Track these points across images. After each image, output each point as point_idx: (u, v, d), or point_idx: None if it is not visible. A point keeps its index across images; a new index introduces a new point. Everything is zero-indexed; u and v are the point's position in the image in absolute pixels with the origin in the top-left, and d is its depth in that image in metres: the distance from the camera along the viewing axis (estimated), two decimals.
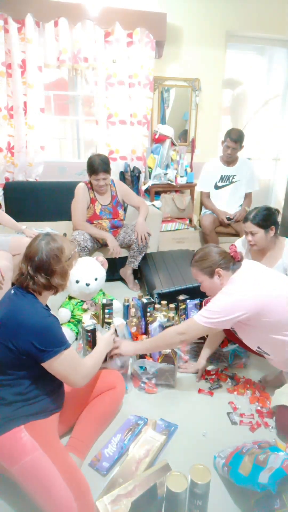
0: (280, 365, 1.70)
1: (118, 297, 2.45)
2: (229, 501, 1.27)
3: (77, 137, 3.77)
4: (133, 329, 2.12)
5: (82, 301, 2.27)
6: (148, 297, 2.20)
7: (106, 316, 2.09)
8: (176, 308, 2.26)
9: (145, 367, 1.80)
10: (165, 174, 3.39)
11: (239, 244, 2.28)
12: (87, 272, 2.23)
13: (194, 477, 1.15)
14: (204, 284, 1.71)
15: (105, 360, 1.68)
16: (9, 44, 2.86)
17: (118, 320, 2.21)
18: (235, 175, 3.18)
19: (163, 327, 1.91)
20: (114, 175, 3.11)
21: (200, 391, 1.81)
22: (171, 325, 1.93)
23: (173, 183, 3.37)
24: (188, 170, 3.51)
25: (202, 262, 1.68)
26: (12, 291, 1.31)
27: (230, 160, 3.15)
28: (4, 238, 2.34)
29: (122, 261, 2.88)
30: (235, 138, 3.00)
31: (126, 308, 2.30)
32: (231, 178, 3.19)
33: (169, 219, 3.34)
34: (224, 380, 1.87)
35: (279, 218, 2.12)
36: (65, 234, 2.77)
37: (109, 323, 2.03)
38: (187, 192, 3.54)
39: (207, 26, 3.38)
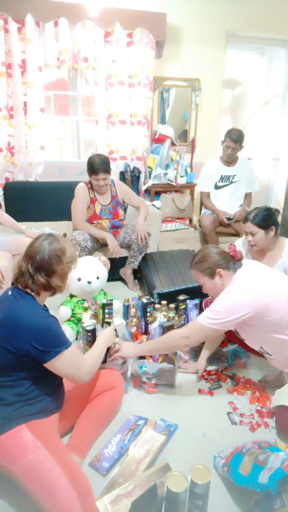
0: (281, 365, 1.70)
1: (118, 297, 2.45)
2: (229, 501, 1.27)
3: (77, 137, 3.77)
4: (133, 329, 2.12)
5: (83, 300, 2.28)
6: (148, 297, 2.20)
7: (106, 316, 2.09)
8: (176, 308, 2.26)
9: (145, 367, 1.80)
10: (165, 174, 3.39)
11: (239, 244, 2.28)
12: (89, 270, 2.23)
13: (194, 477, 1.15)
14: (205, 285, 1.70)
15: (105, 361, 1.68)
16: (9, 44, 2.86)
17: (118, 320, 2.21)
18: (235, 175, 3.18)
19: (163, 327, 1.92)
20: (114, 175, 3.11)
21: (200, 391, 1.81)
22: (171, 325, 1.93)
23: (173, 183, 3.37)
24: (188, 170, 3.51)
25: (202, 264, 1.67)
26: (10, 292, 1.31)
27: (230, 160, 3.15)
28: (4, 238, 2.34)
29: (122, 261, 2.88)
30: (235, 138, 3.00)
31: (126, 308, 2.30)
32: (231, 178, 3.20)
33: (169, 219, 3.34)
34: (224, 380, 1.87)
35: (279, 218, 2.12)
36: (65, 234, 2.77)
37: (109, 323, 2.03)
38: (187, 192, 3.54)
39: (207, 26, 3.38)
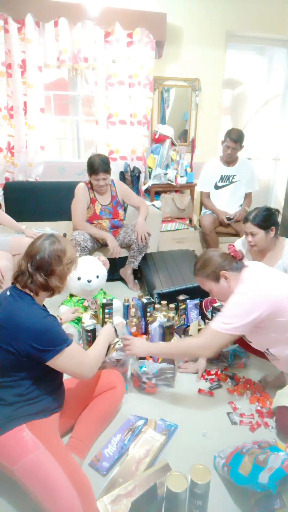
0: (285, 366, 1.69)
1: (118, 297, 2.45)
2: (229, 501, 1.27)
3: (77, 137, 3.77)
4: (133, 329, 2.12)
5: (83, 299, 2.28)
6: (148, 297, 2.20)
7: (106, 316, 2.09)
8: (176, 308, 2.26)
9: (145, 367, 1.80)
10: (165, 174, 3.39)
11: (239, 244, 2.28)
12: (88, 269, 2.24)
13: (194, 477, 1.15)
14: (213, 290, 1.65)
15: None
16: (9, 44, 2.86)
17: (117, 319, 2.21)
18: (235, 175, 3.18)
19: (163, 327, 1.92)
20: (114, 175, 3.11)
21: (200, 391, 1.81)
22: (171, 325, 1.94)
23: (173, 183, 3.37)
24: (188, 170, 3.51)
25: (205, 269, 1.63)
26: (8, 292, 1.30)
27: (230, 160, 3.15)
28: (4, 238, 2.35)
29: (122, 261, 2.88)
30: (235, 138, 3.00)
31: (126, 308, 2.31)
32: (231, 178, 3.20)
33: (169, 219, 3.34)
34: (224, 380, 1.87)
35: (279, 218, 2.12)
36: (65, 235, 2.77)
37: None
38: (187, 192, 3.54)
39: (207, 26, 3.38)
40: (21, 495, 1.20)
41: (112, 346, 1.83)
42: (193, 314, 2.23)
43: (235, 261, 1.63)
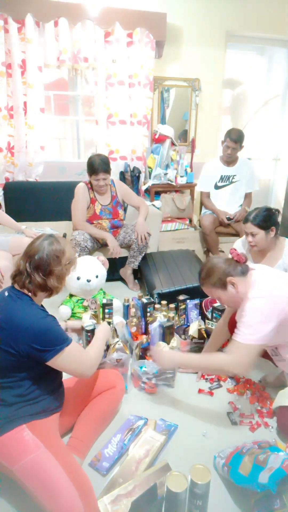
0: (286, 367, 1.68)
1: (118, 297, 2.45)
2: (229, 501, 1.27)
3: (77, 137, 3.77)
4: (133, 329, 2.12)
5: (83, 299, 2.28)
6: (148, 297, 2.20)
7: (106, 316, 2.09)
8: (176, 308, 2.27)
9: (145, 367, 1.80)
10: (165, 174, 3.39)
11: (239, 245, 2.28)
12: (88, 269, 2.24)
13: (194, 477, 1.15)
14: (222, 298, 1.61)
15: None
16: (9, 44, 2.86)
17: (117, 319, 2.22)
18: (235, 175, 3.18)
19: (163, 327, 1.92)
20: (114, 175, 3.11)
21: (200, 391, 1.81)
22: (171, 325, 1.93)
23: (173, 183, 3.37)
24: (188, 170, 3.51)
25: (210, 278, 1.57)
26: (6, 293, 1.30)
27: (230, 160, 3.15)
28: (4, 238, 2.35)
29: (122, 261, 2.88)
30: (235, 138, 3.00)
31: (126, 308, 2.31)
32: (231, 178, 3.20)
33: (169, 219, 3.34)
34: (224, 380, 1.87)
35: (279, 218, 2.12)
36: (65, 235, 2.77)
37: (109, 323, 2.03)
38: (187, 192, 3.54)
39: (207, 26, 3.38)
40: (21, 495, 1.20)
41: (112, 346, 1.83)
42: (193, 314, 2.23)
43: (239, 265, 1.58)
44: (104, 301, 2.10)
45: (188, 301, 2.24)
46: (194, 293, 2.33)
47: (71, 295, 2.32)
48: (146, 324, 2.11)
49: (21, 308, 1.25)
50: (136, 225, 2.74)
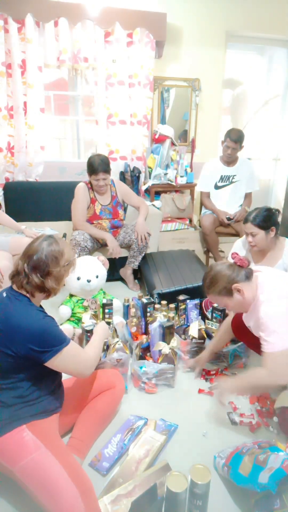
0: None
1: (118, 297, 2.45)
2: (229, 501, 1.27)
3: (77, 137, 3.77)
4: (133, 329, 2.12)
5: (83, 299, 2.28)
6: (148, 297, 2.20)
7: (106, 316, 2.09)
8: (176, 308, 2.27)
9: (145, 367, 1.80)
10: (165, 174, 3.39)
11: (239, 245, 2.28)
12: (88, 269, 2.24)
13: (194, 477, 1.15)
14: (229, 305, 1.58)
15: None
16: (9, 44, 2.86)
17: (117, 319, 2.22)
18: (235, 175, 3.18)
19: (163, 327, 1.91)
20: (114, 175, 3.11)
21: (200, 391, 1.81)
22: (171, 325, 1.93)
23: (173, 183, 3.37)
24: (188, 170, 3.51)
25: (215, 287, 1.54)
26: (4, 294, 1.30)
27: (230, 160, 3.15)
28: (4, 238, 2.35)
29: (122, 261, 2.88)
30: (235, 138, 3.00)
31: (126, 308, 2.31)
32: (231, 178, 3.20)
33: (169, 219, 3.34)
34: None
35: (279, 218, 2.12)
36: (64, 235, 2.77)
37: (109, 323, 2.03)
38: (187, 192, 3.54)
39: (207, 26, 3.37)
40: (21, 495, 1.20)
41: (112, 346, 1.83)
42: (193, 314, 2.23)
43: (243, 269, 1.55)
44: (104, 301, 2.10)
45: (188, 301, 2.24)
46: (194, 293, 2.33)
47: (71, 295, 2.32)
48: (146, 324, 2.11)
49: (19, 309, 1.24)
50: (136, 225, 2.74)
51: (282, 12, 3.49)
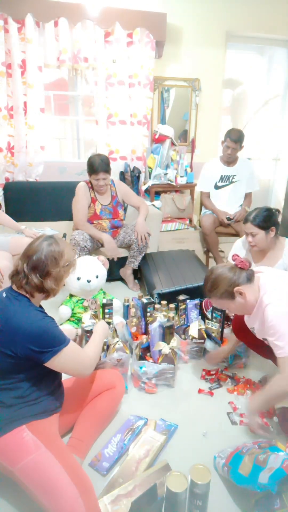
0: None
1: (118, 297, 2.45)
2: (229, 501, 1.27)
3: (77, 137, 3.77)
4: (133, 329, 2.12)
5: (83, 299, 2.28)
6: (148, 297, 2.20)
7: (106, 316, 2.09)
8: (176, 308, 2.26)
9: (145, 367, 1.80)
10: (165, 174, 3.39)
11: (239, 245, 2.28)
12: (88, 269, 2.24)
13: (194, 477, 1.15)
14: (231, 308, 1.58)
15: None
16: (9, 44, 2.86)
17: (117, 319, 2.21)
18: (235, 175, 3.18)
19: (163, 327, 1.91)
20: (114, 175, 3.10)
21: (200, 391, 1.81)
22: (171, 325, 1.93)
23: (173, 183, 3.37)
24: (188, 170, 3.51)
25: (216, 290, 1.53)
26: (4, 294, 1.30)
27: (230, 160, 3.15)
28: (4, 238, 2.35)
29: (122, 261, 2.88)
30: (235, 138, 3.00)
31: (126, 308, 2.30)
32: (231, 178, 3.20)
33: (169, 219, 3.34)
34: (224, 380, 1.87)
35: (279, 218, 2.12)
36: (64, 235, 2.77)
37: (109, 323, 2.03)
38: (187, 192, 3.54)
39: (207, 26, 3.37)
40: (21, 495, 1.20)
41: (112, 346, 1.83)
42: (193, 314, 2.23)
43: (244, 271, 1.54)
44: (104, 301, 2.10)
45: (188, 301, 2.24)
46: (194, 293, 2.33)
47: (71, 295, 2.32)
48: (146, 324, 2.11)
49: (19, 309, 1.24)
50: (136, 225, 2.74)
51: (282, 12, 3.49)
